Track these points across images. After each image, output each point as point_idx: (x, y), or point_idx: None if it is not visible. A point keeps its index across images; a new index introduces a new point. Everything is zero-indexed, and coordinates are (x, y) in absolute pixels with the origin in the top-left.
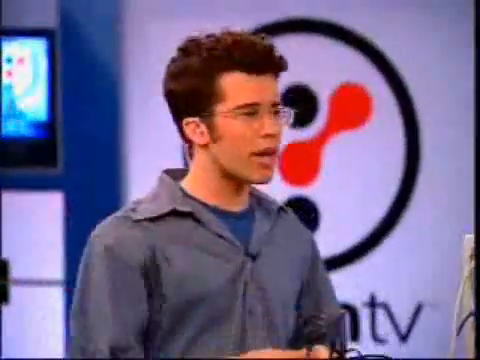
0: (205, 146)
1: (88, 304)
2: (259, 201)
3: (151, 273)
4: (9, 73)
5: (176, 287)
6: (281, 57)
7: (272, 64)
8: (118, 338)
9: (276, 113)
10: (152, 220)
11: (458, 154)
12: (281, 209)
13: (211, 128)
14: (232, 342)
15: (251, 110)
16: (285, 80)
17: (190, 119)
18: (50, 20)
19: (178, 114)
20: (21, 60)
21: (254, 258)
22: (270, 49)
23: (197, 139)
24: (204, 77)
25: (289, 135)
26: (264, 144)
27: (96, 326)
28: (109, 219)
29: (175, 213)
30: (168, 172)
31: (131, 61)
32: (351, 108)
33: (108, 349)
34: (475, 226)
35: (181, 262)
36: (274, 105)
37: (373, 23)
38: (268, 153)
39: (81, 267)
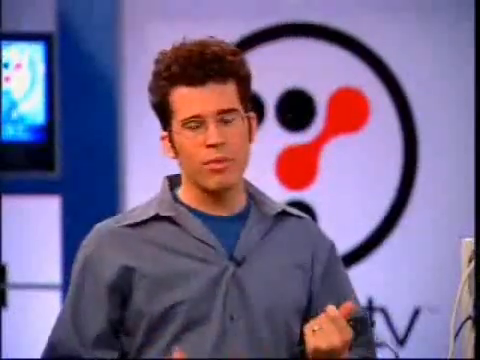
0: (176, 159)
1: (62, 310)
2: (258, 205)
3: (125, 285)
4: (6, 78)
5: (153, 292)
6: (228, 62)
7: (211, 73)
8: (72, 349)
9: (226, 121)
10: (136, 225)
11: (456, 157)
12: (286, 213)
13: (172, 143)
14: (210, 345)
15: (194, 123)
16: (283, 84)
17: (163, 133)
18: (48, 24)
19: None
20: (19, 65)
21: (239, 263)
22: (210, 58)
23: (168, 153)
24: (158, 95)
25: (287, 139)
26: (210, 155)
27: (57, 334)
28: (100, 225)
29: (159, 218)
30: (169, 178)
31: (129, 65)
32: (349, 112)
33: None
34: (475, 228)
35: (159, 267)
36: (223, 113)
37: (370, 27)
38: (216, 162)
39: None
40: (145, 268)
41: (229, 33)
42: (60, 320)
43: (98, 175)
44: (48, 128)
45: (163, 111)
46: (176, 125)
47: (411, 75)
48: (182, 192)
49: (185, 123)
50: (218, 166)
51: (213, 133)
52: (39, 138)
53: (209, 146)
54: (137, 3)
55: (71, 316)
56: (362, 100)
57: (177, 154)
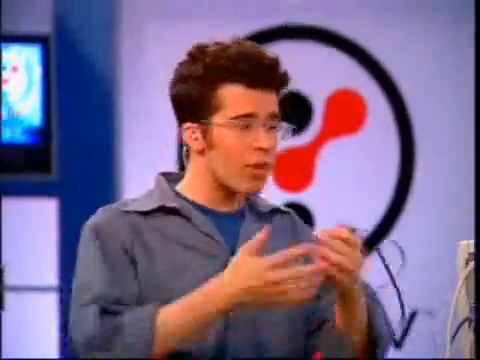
0: (201, 152)
1: (83, 272)
2: (252, 203)
3: (132, 259)
4: (3, 80)
5: (155, 281)
6: (285, 73)
7: (274, 80)
8: (108, 293)
9: (272, 128)
10: (140, 214)
11: (453, 159)
12: (278, 211)
13: (207, 136)
14: (213, 339)
15: (246, 122)
16: None
17: (189, 124)
18: (45, 26)
19: (180, 118)
20: (15, 68)
21: None
22: (275, 64)
23: (193, 144)
24: (205, 85)
25: (283, 141)
26: (256, 157)
27: (89, 284)
28: (105, 207)
29: (164, 210)
30: (164, 174)
31: (126, 67)
32: (346, 114)
33: (95, 299)
34: (475, 229)
35: (162, 257)
36: (271, 119)
37: (367, 29)
38: (260, 166)
39: (77, 254)
40: (145, 257)
41: (227, 35)
42: (88, 278)
43: (95, 177)
44: (45, 130)
45: (204, 103)
46: (222, 118)
47: (408, 77)
48: (184, 187)
49: (235, 120)
50: (260, 172)
51: (265, 137)
52: (36, 140)
53: (258, 149)
54: (134, 4)
55: (106, 271)
56: (359, 102)
57: (209, 148)
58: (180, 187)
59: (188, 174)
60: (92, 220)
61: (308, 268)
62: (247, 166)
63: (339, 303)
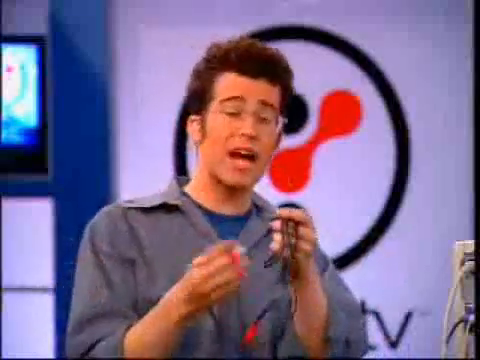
0: (199, 143)
1: (82, 284)
2: (259, 209)
3: (130, 264)
4: None
5: (151, 279)
6: (279, 66)
7: (265, 69)
8: (109, 304)
9: (263, 119)
10: (142, 211)
11: (448, 160)
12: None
13: (203, 125)
14: (208, 338)
15: (234, 106)
16: None
17: (193, 117)
18: (40, 27)
19: (189, 112)
20: (10, 68)
21: None
22: (267, 56)
23: (193, 135)
24: (204, 78)
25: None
26: (238, 143)
27: (88, 298)
28: (108, 207)
29: (166, 208)
30: (177, 178)
31: (122, 68)
32: (341, 115)
33: (92, 315)
34: (475, 229)
35: (160, 256)
36: (262, 107)
37: (363, 30)
38: (242, 155)
39: (77, 260)
40: (148, 253)
41: (222, 36)
42: (91, 293)
43: (90, 178)
44: (40, 131)
45: (203, 94)
46: (214, 106)
47: (404, 78)
48: (191, 187)
49: (224, 103)
50: (242, 163)
51: (250, 123)
52: (31, 141)
53: (242, 135)
54: (130, 5)
55: (105, 280)
56: (354, 103)
57: (203, 138)
58: (188, 188)
59: (195, 172)
60: (92, 222)
61: (224, 259)
62: (228, 155)
63: (295, 290)
